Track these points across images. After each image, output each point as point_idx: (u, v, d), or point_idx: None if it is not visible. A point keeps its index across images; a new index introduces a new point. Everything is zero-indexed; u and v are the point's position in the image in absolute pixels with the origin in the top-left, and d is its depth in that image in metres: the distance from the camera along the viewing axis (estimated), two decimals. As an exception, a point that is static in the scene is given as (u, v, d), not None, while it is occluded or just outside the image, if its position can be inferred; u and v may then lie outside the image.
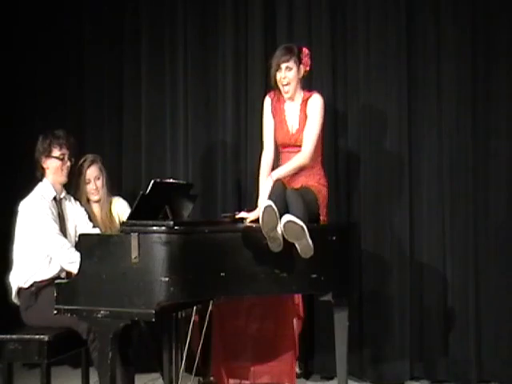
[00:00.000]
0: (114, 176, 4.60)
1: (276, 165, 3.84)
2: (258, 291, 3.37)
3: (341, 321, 3.53)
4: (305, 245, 3.23)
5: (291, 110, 3.82)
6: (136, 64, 4.98)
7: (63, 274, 3.69)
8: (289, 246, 3.27)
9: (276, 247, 3.24)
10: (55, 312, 3.25)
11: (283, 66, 3.74)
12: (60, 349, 3.57)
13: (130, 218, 3.24)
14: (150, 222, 3.17)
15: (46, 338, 3.46)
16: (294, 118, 3.80)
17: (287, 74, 3.74)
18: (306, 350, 4.51)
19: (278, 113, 3.84)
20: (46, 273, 3.68)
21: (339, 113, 4.66)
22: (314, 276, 3.36)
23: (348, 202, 4.64)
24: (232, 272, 3.21)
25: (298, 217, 3.21)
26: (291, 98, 3.81)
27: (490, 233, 4.44)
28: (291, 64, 3.73)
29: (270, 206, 3.17)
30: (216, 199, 4.77)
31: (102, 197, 4.13)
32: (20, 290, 3.70)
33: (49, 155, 3.79)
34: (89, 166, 4.09)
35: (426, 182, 4.54)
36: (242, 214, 3.66)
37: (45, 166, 3.81)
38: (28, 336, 3.51)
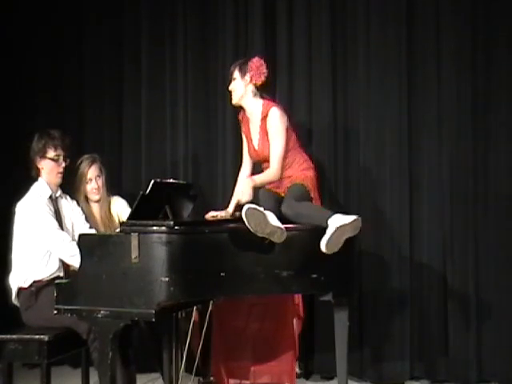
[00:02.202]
0: (114, 176, 4.60)
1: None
2: (258, 291, 3.37)
3: (341, 321, 3.53)
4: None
5: (254, 126, 3.89)
6: (136, 64, 4.98)
7: (61, 273, 3.70)
8: (289, 244, 3.28)
9: (278, 238, 3.24)
10: (55, 312, 3.24)
11: (231, 78, 3.90)
12: (60, 349, 3.57)
13: (130, 218, 3.24)
14: (150, 222, 3.16)
15: (46, 338, 3.47)
16: (255, 134, 3.89)
17: (232, 85, 3.90)
18: (306, 350, 4.51)
19: (246, 131, 3.96)
20: (45, 271, 3.69)
21: (339, 113, 4.66)
22: (314, 276, 3.35)
23: (348, 202, 4.64)
24: (232, 272, 3.21)
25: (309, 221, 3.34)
26: (249, 114, 3.88)
27: (490, 233, 4.44)
28: (235, 75, 3.88)
29: (249, 208, 3.18)
30: (216, 199, 4.77)
31: (101, 196, 4.13)
32: (20, 290, 3.70)
33: (43, 156, 3.79)
34: (90, 166, 4.10)
35: (426, 183, 4.54)
36: (212, 213, 3.69)
37: (39, 166, 3.81)
38: (28, 336, 3.51)
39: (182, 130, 4.89)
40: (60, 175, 3.85)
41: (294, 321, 4.16)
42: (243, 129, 3.99)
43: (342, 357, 3.54)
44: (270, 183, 3.77)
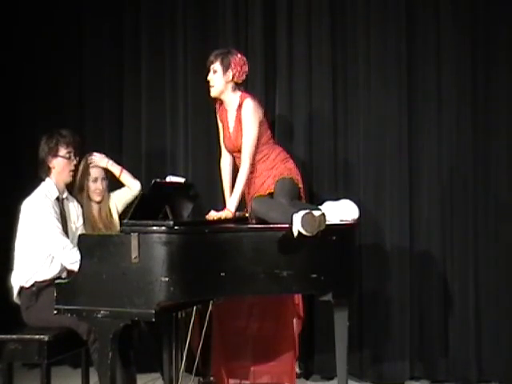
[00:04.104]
0: (115, 176, 4.60)
1: (235, 168, 3.98)
2: (258, 291, 3.37)
3: (341, 321, 3.52)
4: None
5: (231, 115, 3.91)
6: (136, 64, 4.98)
7: (64, 274, 3.69)
8: (289, 244, 3.28)
9: (325, 223, 3.30)
10: (55, 312, 3.24)
11: (210, 68, 3.85)
12: (60, 349, 3.57)
13: (130, 217, 3.24)
14: (150, 222, 3.16)
15: (46, 338, 3.46)
16: (231, 123, 3.91)
17: (212, 77, 3.86)
18: (305, 350, 4.51)
19: (223, 119, 3.97)
20: (48, 272, 3.68)
21: (339, 113, 4.67)
22: (314, 276, 3.35)
23: (348, 201, 4.64)
24: (232, 272, 3.21)
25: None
26: (227, 105, 3.90)
27: (489, 233, 4.45)
28: (216, 67, 3.83)
29: (302, 217, 3.21)
30: (216, 199, 4.76)
31: (103, 199, 4.14)
32: (21, 289, 3.70)
33: (56, 154, 3.78)
34: (95, 166, 4.11)
35: (426, 183, 4.55)
36: (212, 214, 3.69)
37: (51, 165, 3.79)
38: (28, 336, 3.50)
39: (182, 130, 4.89)
40: (72, 173, 3.85)
41: (294, 321, 4.15)
42: (219, 116, 4.00)
43: (341, 357, 3.54)
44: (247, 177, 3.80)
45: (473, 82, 4.46)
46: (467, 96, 4.46)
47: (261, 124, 3.84)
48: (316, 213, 3.27)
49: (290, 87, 4.73)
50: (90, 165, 4.11)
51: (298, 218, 3.24)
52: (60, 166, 3.80)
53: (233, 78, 3.82)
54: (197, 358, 3.95)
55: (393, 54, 4.56)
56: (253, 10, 4.77)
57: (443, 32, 4.51)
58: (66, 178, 3.84)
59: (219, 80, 3.84)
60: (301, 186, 3.82)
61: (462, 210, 4.45)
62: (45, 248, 3.67)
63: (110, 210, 4.17)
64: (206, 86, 3.90)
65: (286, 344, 4.16)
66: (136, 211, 3.25)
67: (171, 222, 3.15)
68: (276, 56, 4.76)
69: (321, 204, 3.74)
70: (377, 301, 4.54)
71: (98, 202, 4.13)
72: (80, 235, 3.34)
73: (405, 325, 4.49)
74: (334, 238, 3.42)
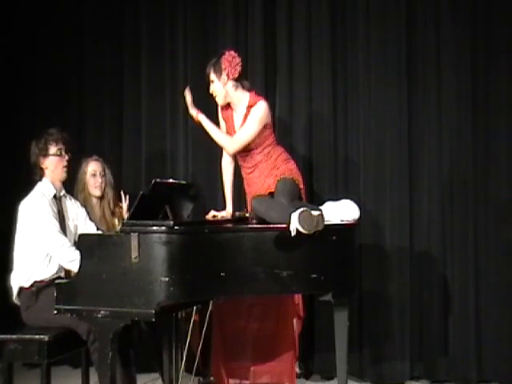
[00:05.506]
0: (115, 176, 4.60)
1: (237, 168, 3.99)
2: (258, 291, 3.37)
3: (341, 321, 3.52)
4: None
5: (238, 115, 3.92)
6: (136, 64, 4.99)
7: (62, 274, 3.69)
8: (289, 244, 3.28)
9: (322, 224, 3.29)
10: (55, 312, 3.24)
11: (209, 80, 3.89)
12: (60, 349, 3.56)
13: (130, 218, 3.24)
14: (150, 222, 3.16)
15: (46, 337, 3.46)
16: (238, 121, 3.91)
17: (212, 88, 3.90)
18: (306, 350, 4.51)
19: (227, 118, 3.97)
20: (46, 272, 3.68)
21: (339, 113, 4.67)
22: (314, 276, 3.35)
23: (348, 201, 4.64)
24: (232, 272, 3.21)
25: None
26: (234, 105, 3.90)
27: (490, 233, 4.45)
28: (212, 77, 3.87)
29: (300, 215, 3.22)
30: (216, 199, 4.77)
31: (104, 195, 4.14)
32: (21, 289, 3.70)
33: (46, 154, 3.78)
34: (95, 161, 4.19)
35: (426, 183, 4.55)
36: (213, 213, 3.70)
37: (44, 166, 3.79)
38: (28, 336, 3.50)
39: (182, 130, 4.89)
40: (65, 169, 3.84)
41: (294, 321, 4.16)
42: (222, 115, 3.99)
43: (341, 357, 3.54)
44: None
45: (473, 82, 4.46)
46: (467, 96, 4.46)
47: (266, 127, 3.84)
48: (314, 212, 3.27)
49: (290, 87, 4.73)
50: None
51: (295, 215, 3.24)
52: (53, 165, 3.79)
53: (228, 77, 3.83)
54: (197, 358, 3.96)
55: (393, 54, 4.56)
56: (253, 10, 4.77)
57: (443, 32, 4.51)
58: (61, 175, 3.83)
59: (218, 87, 3.86)
60: (302, 186, 3.83)
61: (462, 210, 4.46)
62: (43, 247, 3.67)
63: (111, 210, 4.17)
64: (210, 96, 3.91)
65: (286, 344, 4.16)
66: (136, 211, 3.25)
67: (171, 222, 3.15)
68: (276, 56, 4.76)
69: (321, 204, 3.75)
70: (377, 301, 4.54)
71: (99, 198, 4.13)
72: (80, 235, 3.34)
73: (405, 325, 4.49)
74: (334, 237, 3.42)
